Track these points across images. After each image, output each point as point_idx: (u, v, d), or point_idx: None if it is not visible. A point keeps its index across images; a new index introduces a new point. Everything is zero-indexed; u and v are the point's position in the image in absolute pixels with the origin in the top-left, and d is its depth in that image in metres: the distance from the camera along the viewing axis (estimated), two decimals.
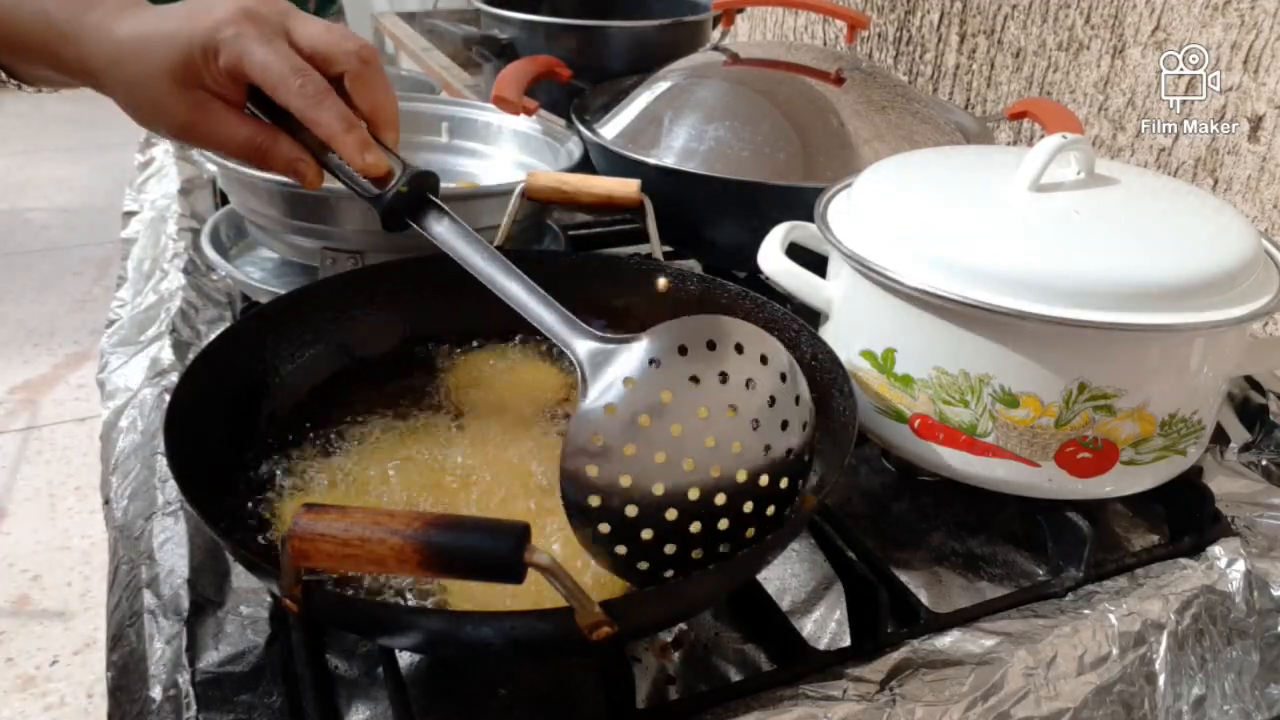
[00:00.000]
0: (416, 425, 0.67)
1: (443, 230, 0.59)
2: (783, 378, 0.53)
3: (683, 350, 0.51)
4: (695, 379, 0.51)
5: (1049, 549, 0.64)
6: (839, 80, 0.93)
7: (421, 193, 0.59)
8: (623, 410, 0.50)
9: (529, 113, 0.97)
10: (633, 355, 0.51)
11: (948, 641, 0.56)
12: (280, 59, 0.55)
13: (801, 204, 0.72)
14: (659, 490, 0.50)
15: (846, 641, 0.58)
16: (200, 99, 0.56)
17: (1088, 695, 0.54)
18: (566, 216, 1.10)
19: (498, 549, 0.39)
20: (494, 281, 0.58)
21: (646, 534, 0.51)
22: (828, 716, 0.50)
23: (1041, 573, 0.65)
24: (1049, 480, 0.61)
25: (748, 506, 0.53)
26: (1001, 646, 0.56)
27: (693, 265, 0.94)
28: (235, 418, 0.62)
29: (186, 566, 0.59)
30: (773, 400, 0.53)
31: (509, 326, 0.76)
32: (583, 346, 0.54)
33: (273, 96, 0.56)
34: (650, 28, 1.24)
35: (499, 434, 0.66)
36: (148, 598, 0.58)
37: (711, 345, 0.51)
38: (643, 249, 0.82)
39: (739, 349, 0.52)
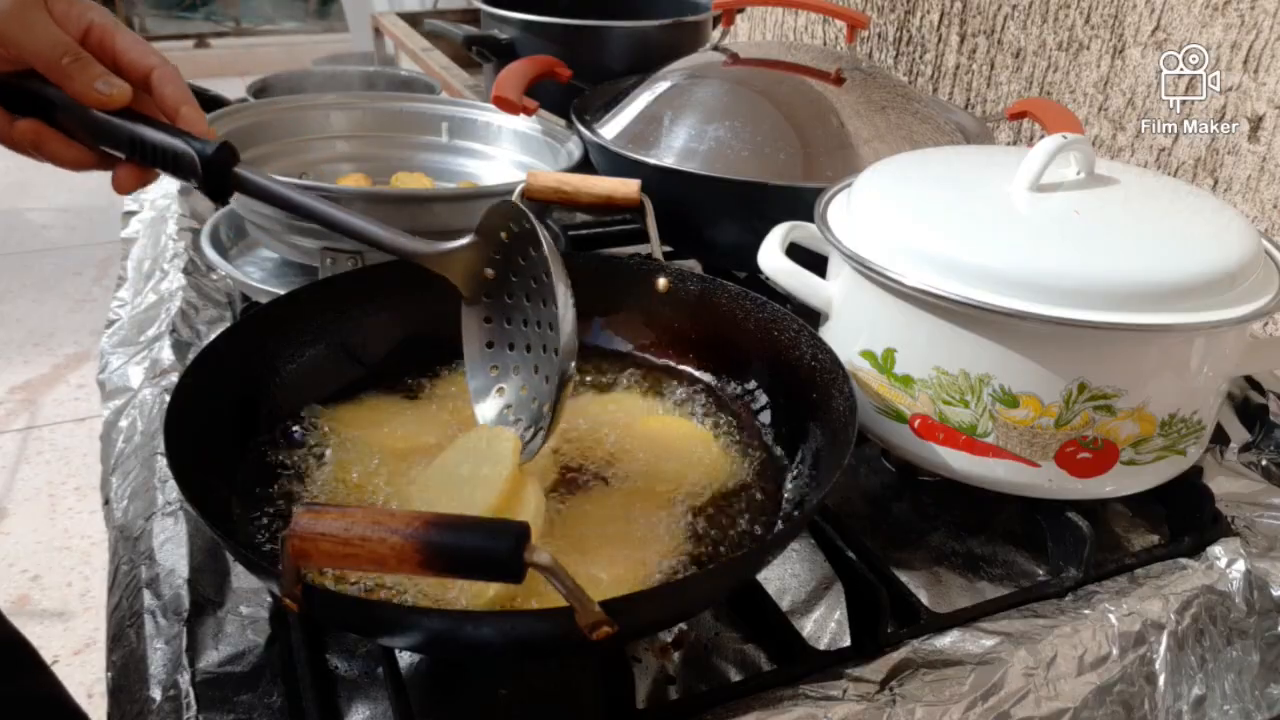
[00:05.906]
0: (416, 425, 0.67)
1: (262, 180, 0.61)
2: None
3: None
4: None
5: (1049, 549, 0.64)
6: (839, 80, 0.93)
7: (234, 154, 0.61)
8: None
9: (529, 113, 0.97)
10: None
11: (948, 641, 0.56)
12: (142, 42, 0.61)
13: (801, 204, 0.72)
14: None
15: (846, 641, 0.58)
16: (31, 2, 0.58)
17: (1088, 695, 0.54)
18: (566, 216, 1.11)
19: (498, 548, 0.39)
20: (323, 217, 0.61)
21: None
22: (828, 716, 0.50)
23: (1041, 573, 0.65)
24: (1049, 480, 0.61)
25: None
26: (1001, 646, 0.56)
27: (693, 265, 0.94)
28: (235, 418, 0.62)
29: (186, 566, 0.59)
30: None
31: None
32: (415, 248, 0.60)
33: (125, 53, 0.60)
34: (650, 28, 1.24)
35: None
36: (148, 598, 0.58)
37: None
38: (643, 249, 0.81)
39: None
